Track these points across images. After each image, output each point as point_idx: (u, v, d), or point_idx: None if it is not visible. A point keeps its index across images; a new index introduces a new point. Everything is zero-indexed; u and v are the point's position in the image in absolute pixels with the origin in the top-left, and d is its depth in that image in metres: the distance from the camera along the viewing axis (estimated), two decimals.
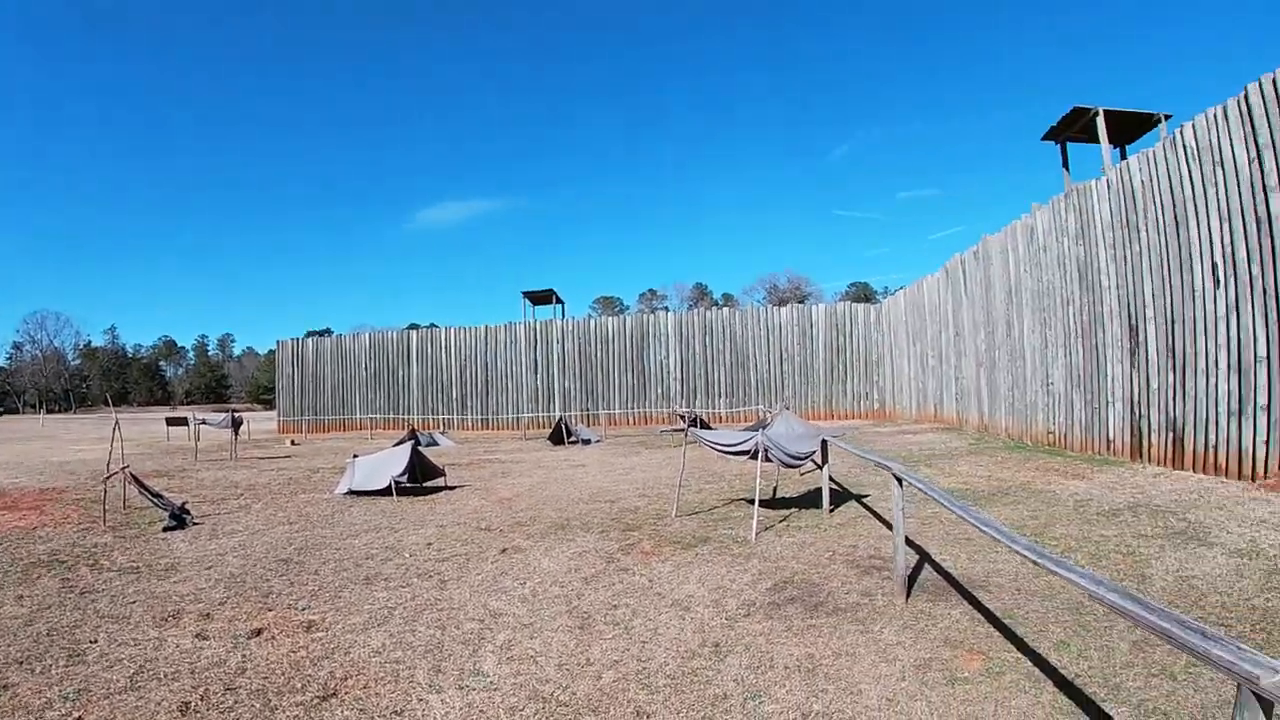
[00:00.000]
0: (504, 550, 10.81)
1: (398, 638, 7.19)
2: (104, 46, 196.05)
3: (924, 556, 9.30)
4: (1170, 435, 15.31)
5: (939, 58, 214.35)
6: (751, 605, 7.77)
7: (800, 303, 69.44)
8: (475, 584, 9.09)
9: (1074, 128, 22.68)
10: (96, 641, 7.39)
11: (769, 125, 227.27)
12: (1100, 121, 21.26)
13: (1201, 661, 2.94)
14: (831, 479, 13.16)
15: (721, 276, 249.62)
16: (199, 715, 5.63)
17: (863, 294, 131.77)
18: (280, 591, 9.05)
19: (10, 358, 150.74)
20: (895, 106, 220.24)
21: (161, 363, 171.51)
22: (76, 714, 5.73)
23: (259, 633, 7.47)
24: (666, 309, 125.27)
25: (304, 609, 8.30)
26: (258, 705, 5.76)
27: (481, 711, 5.57)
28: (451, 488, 17.60)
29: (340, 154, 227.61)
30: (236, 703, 5.82)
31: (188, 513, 13.95)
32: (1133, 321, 16.57)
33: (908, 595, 7.64)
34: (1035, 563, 4.33)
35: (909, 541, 9.73)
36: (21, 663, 6.86)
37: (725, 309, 48.85)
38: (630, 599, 8.21)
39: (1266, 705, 2.68)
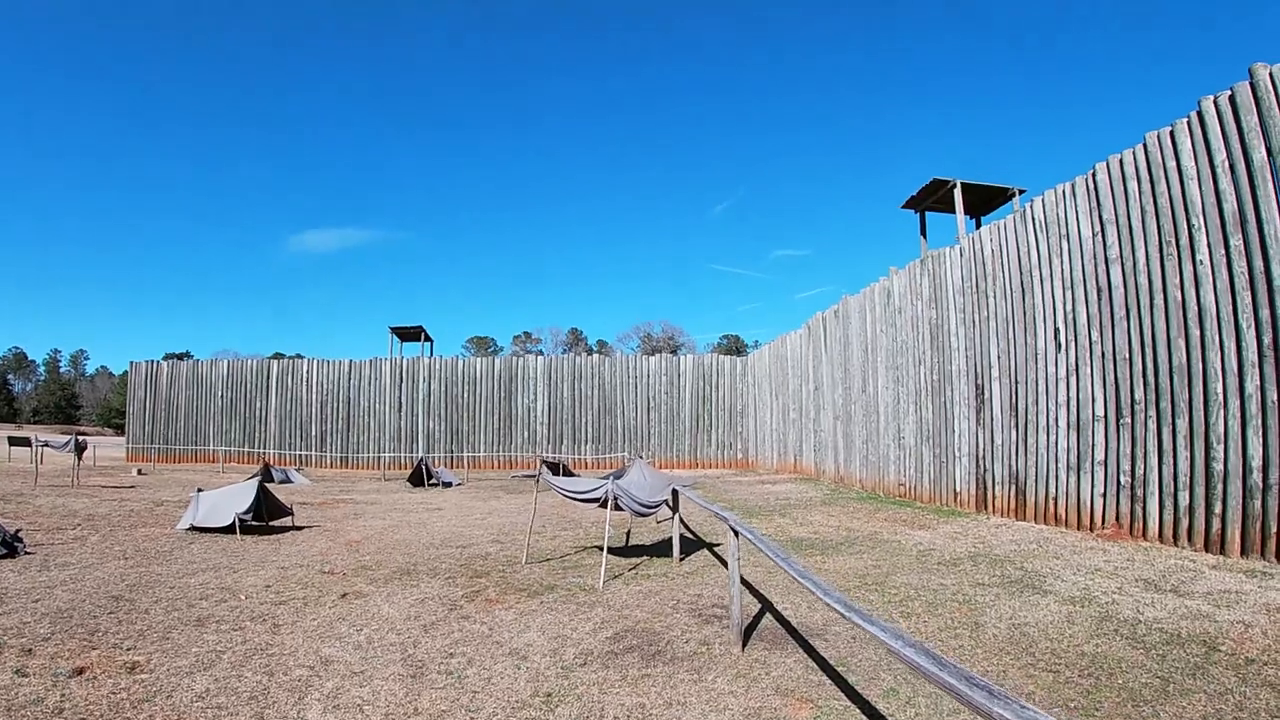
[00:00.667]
0: (344, 595, 10.54)
1: (223, 682, 6.91)
2: None
3: (766, 605, 9.45)
4: (1014, 488, 16.13)
5: (817, 122, 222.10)
6: (589, 654, 7.76)
7: (671, 353, 70.32)
8: (310, 629, 8.83)
9: (933, 198, 23.76)
10: None
11: (653, 173, 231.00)
12: (957, 193, 22.34)
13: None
14: (685, 527, 13.33)
15: (597, 323, 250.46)
16: None
17: (734, 346, 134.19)
18: (108, 629, 8.64)
19: None
20: (774, 168, 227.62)
21: (10, 375, 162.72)
22: None
23: (81, 671, 7.12)
24: (540, 352, 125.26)
25: (129, 649, 7.92)
26: None
27: None
28: (299, 528, 17.08)
29: (214, 167, 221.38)
30: None
31: (20, 540, 13.23)
32: (979, 380, 17.41)
33: (744, 644, 7.75)
34: (843, 616, 4.47)
35: (753, 590, 9.94)
36: None
37: (595, 355, 48.98)
38: (468, 647, 8.10)
39: None
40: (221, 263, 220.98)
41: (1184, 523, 11.88)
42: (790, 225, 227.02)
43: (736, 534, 7.74)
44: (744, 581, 8.72)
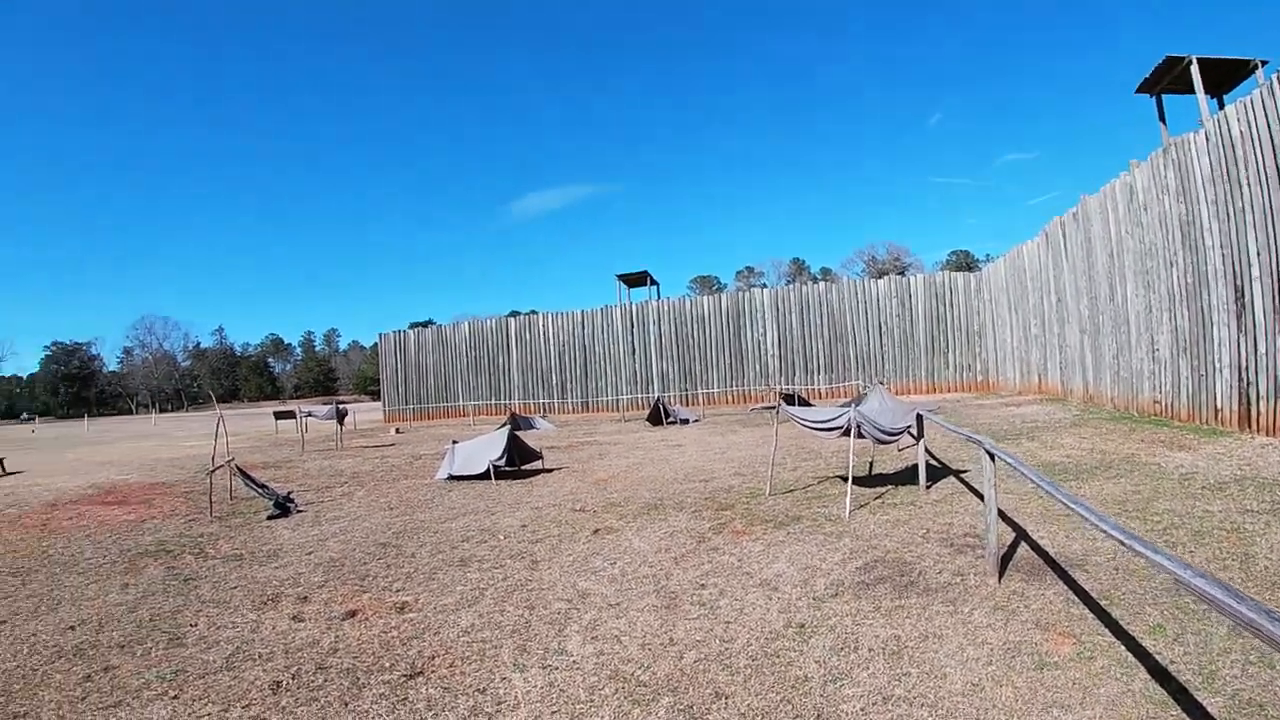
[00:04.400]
0: (596, 531, 10.89)
1: (486, 618, 7.28)
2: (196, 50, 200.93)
3: (1021, 534, 9.04)
4: None
5: (1025, 13, 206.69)
6: (840, 585, 7.65)
7: (899, 274, 68.14)
8: (566, 564, 9.16)
9: (1168, 78, 21.65)
10: (196, 625, 7.68)
11: (861, 93, 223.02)
12: (1194, 70, 20.27)
13: None
14: (929, 454, 12.94)
15: (819, 251, 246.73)
16: (289, 693, 5.80)
17: (964, 262, 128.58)
18: (377, 574, 9.26)
19: (121, 362, 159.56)
20: (989, 66, 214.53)
21: (269, 359, 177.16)
22: (172, 693, 5.96)
23: (353, 614, 7.65)
24: (764, 285, 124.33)
25: (398, 591, 8.48)
26: (346, 683, 5.91)
27: (562, 690, 5.60)
28: (549, 470, 17.79)
29: (435, 147, 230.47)
30: (326, 681, 5.99)
31: (292, 501, 14.37)
32: (1238, 281, 15.76)
33: (1000, 575, 7.44)
34: (1122, 543, 4.11)
35: (1006, 519, 9.50)
36: (123, 646, 7.17)
37: (822, 283, 47.85)
38: (718, 578, 8.16)
39: None
40: (452, 232, 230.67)
41: None
42: (1013, 128, 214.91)
43: (993, 458, 7.35)
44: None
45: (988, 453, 7.41)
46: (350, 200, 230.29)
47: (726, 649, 6.19)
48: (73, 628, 7.94)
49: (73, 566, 10.88)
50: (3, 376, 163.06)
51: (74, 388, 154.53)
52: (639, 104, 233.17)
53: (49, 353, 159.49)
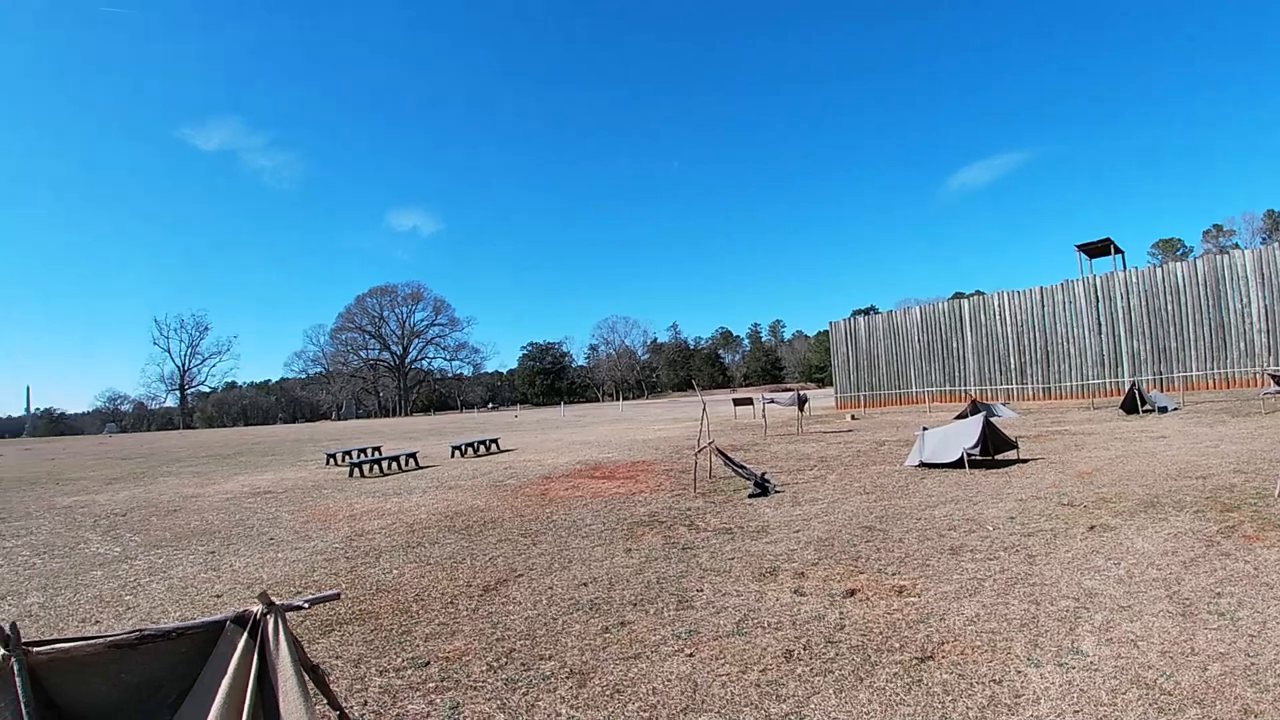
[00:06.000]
0: (1091, 528, 10.24)
1: (990, 609, 7.13)
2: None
3: None
4: None
5: None
6: None
7: None
8: (1065, 560, 8.72)
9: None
10: (702, 591, 8.29)
11: None
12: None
13: None
14: None
15: None
16: (803, 663, 6.06)
17: None
18: (868, 556, 9.41)
19: (589, 357, 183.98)
20: None
21: (720, 351, 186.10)
22: (688, 650, 6.47)
23: (852, 593, 7.83)
24: (1236, 245, 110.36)
25: (893, 574, 8.55)
26: (858, 659, 6.05)
27: (1082, 690, 5.35)
28: (1023, 461, 17.04)
29: (863, 126, 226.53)
30: (837, 655, 6.17)
31: (769, 482, 15.01)
32: None
33: None
34: None
35: None
36: (635, 604, 7.94)
37: None
38: (1234, 587, 7.37)
39: None
40: (885, 213, 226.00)
41: None
42: None
43: None
44: None
45: None
46: (782, 193, 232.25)
47: (1252, 664, 5.59)
48: (585, 584, 8.92)
49: (576, 531, 12.19)
50: (487, 372, 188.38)
51: (548, 380, 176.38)
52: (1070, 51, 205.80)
53: (525, 351, 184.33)
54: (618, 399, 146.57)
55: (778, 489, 14.97)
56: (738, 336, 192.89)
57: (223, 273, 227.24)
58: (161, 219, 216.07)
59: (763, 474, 15.47)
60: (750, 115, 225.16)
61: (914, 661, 5.98)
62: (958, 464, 15.99)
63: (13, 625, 3.16)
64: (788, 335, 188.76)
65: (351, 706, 5.65)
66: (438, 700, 5.85)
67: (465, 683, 6.15)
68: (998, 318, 47.79)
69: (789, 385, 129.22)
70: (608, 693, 5.77)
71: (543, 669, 6.32)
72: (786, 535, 10.86)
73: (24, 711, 3.13)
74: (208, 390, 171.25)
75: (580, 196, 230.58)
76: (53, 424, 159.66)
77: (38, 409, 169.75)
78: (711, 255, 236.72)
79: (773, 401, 33.17)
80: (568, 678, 6.11)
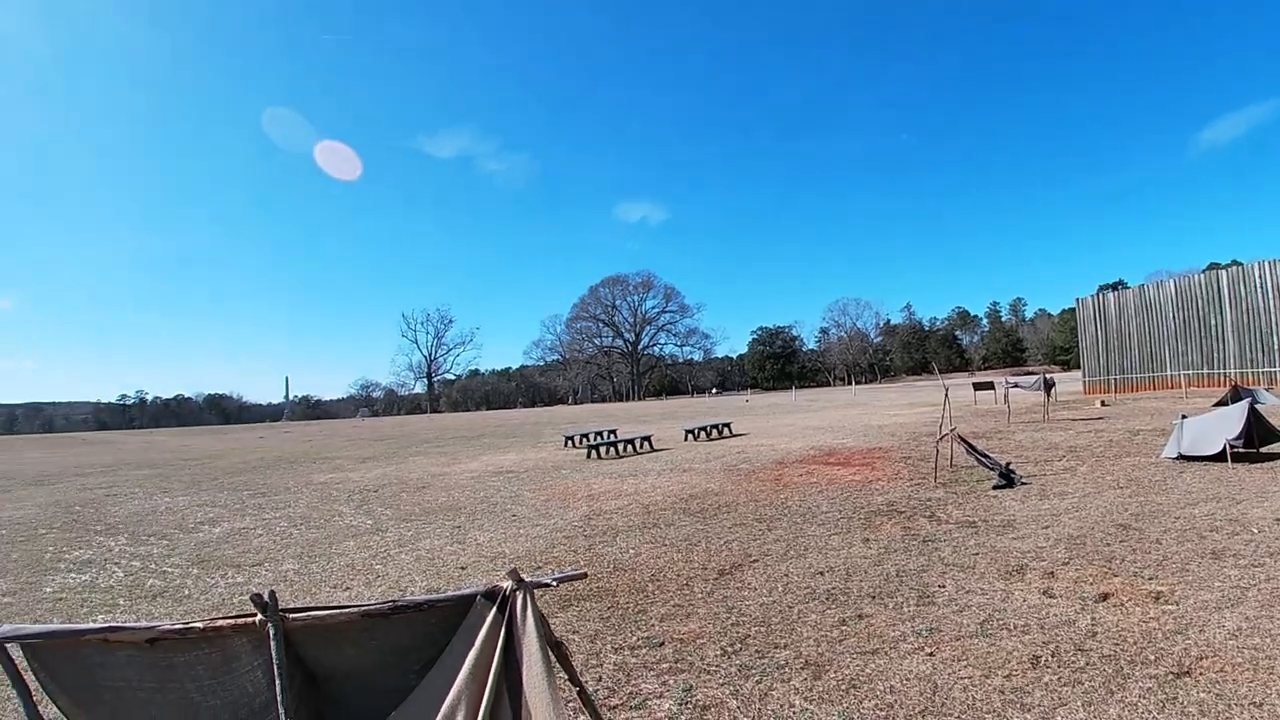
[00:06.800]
0: None
1: (1254, 622, 6.61)
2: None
3: None
4: None
5: None
6: None
7: None
8: None
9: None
10: (944, 587, 8.12)
11: None
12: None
13: None
14: None
15: None
16: (1050, 670, 5.83)
17: None
18: (1122, 558, 8.94)
19: (819, 340, 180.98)
20: None
21: (957, 332, 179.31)
22: (928, 649, 6.37)
23: (1106, 597, 7.48)
24: None
25: (1150, 578, 8.08)
26: (1109, 671, 5.77)
27: None
28: None
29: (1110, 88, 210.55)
30: (1087, 664, 5.91)
31: (1014, 473, 14.48)
32: None
33: None
34: None
35: None
36: (874, 597, 7.87)
37: None
38: None
39: None
40: (1129, 172, 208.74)
41: None
42: None
43: None
44: None
45: None
46: (1016, 161, 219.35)
47: None
48: (821, 573, 8.92)
49: (811, 518, 12.18)
50: (717, 357, 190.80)
51: (778, 364, 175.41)
52: None
53: (755, 335, 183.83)
54: (849, 383, 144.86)
55: (1024, 480, 14.43)
56: (975, 316, 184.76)
57: (463, 270, 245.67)
58: (412, 221, 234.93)
59: (1007, 464, 14.91)
60: (989, 88, 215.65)
61: (1169, 677, 5.64)
62: (1219, 456, 14.82)
63: (270, 593, 3.50)
64: (1029, 314, 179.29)
65: (587, 681, 5.88)
66: (670, 681, 6.04)
67: (699, 665, 6.32)
68: (1259, 290, 42.02)
69: (1032, 369, 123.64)
70: (843, 687, 5.77)
71: (777, 657, 6.40)
72: (1034, 531, 10.47)
73: (276, 672, 3.44)
74: (453, 377, 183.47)
75: (802, 181, 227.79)
76: (310, 409, 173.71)
77: (296, 396, 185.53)
78: (945, 233, 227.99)
79: (1016, 385, 31.88)
80: (803, 668, 6.16)
